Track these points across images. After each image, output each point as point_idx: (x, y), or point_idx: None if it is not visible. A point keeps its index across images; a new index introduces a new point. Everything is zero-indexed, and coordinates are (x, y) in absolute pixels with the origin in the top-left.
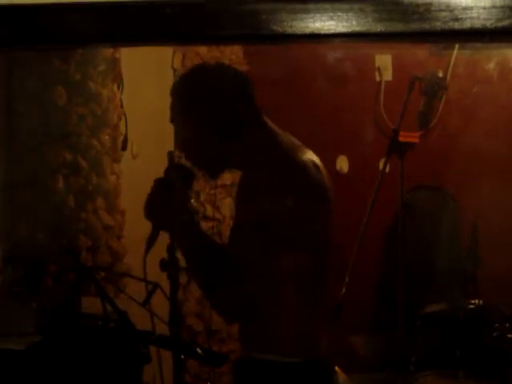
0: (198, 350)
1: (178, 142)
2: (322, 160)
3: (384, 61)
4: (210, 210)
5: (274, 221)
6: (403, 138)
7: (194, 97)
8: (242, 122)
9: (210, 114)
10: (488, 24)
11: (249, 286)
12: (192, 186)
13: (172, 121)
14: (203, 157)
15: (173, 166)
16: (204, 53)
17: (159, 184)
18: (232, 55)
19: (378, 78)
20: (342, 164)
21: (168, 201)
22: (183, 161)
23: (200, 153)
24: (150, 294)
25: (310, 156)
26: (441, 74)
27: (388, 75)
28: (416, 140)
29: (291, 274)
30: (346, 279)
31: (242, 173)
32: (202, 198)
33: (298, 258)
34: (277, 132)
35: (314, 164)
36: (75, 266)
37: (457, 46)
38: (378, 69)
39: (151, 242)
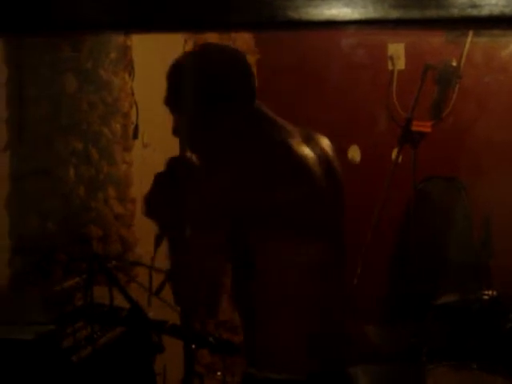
0: (210, 339)
1: (173, 126)
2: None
3: (397, 50)
4: None
5: (256, 211)
6: (416, 127)
7: (182, 79)
8: (231, 108)
9: (200, 97)
10: (507, 11)
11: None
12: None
13: (166, 103)
14: (194, 142)
15: (174, 159)
16: (215, 41)
17: (160, 180)
18: (243, 44)
19: (390, 67)
20: (354, 153)
21: (171, 198)
22: (185, 152)
23: (191, 136)
24: (163, 284)
25: (299, 146)
26: (454, 63)
27: (401, 64)
28: (429, 129)
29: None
30: (358, 270)
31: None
32: None
33: (297, 251)
34: (270, 120)
35: (298, 154)
36: (86, 255)
37: (471, 33)
38: (391, 58)
39: (158, 242)
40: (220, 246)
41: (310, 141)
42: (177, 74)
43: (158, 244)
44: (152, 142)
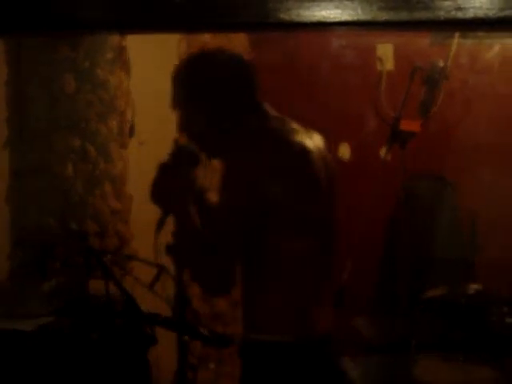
0: (203, 331)
1: (180, 125)
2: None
3: (385, 50)
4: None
5: (269, 206)
6: (404, 126)
7: (193, 82)
8: (238, 108)
9: (208, 99)
10: (491, 14)
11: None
12: (197, 169)
13: (173, 106)
14: (203, 140)
15: (177, 149)
16: (209, 40)
17: (164, 168)
18: (237, 43)
19: (379, 68)
20: (344, 151)
21: (174, 185)
22: (188, 144)
23: (200, 136)
24: (156, 277)
25: (304, 140)
26: (441, 64)
27: (389, 65)
28: (417, 128)
29: (290, 258)
30: (349, 265)
31: (230, 160)
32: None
33: (296, 242)
34: (274, 118)
35: (306, 149)
36: (83, 249)
37: (457, 35)
38: (380, 58)
39: (160, 224)
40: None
41: (311, 138)
42: (179, 78)
43: (160, 226)
44: (148, 139)
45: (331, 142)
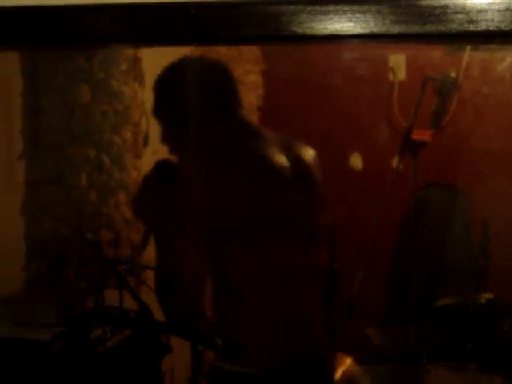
0: (217, 340)
1: (161, 136)
2: (335, 156)
3: (397, 61)
4: None
5: (241, 214)
6: (416, 136)
7: (168, 92)
8: (212, 120)
9: (182, 108)
10: (502, 26)
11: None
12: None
13: (154, 113)
14: (177, 147)
15: (157, 162)
16: (223, 52)
17: (143, 181)
18: (251, 55)
19: (391, 78)
20: (356, 161)
21: (151, 200)
22: (166, 157)
23: (174, 144)
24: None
25: (271, 157)
26: (453, 74)
27: (401, 75)
28: (428, 138)
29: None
30: (361, 275)
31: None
32: None
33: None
34: (250, 132)
35: (267, 166)
36: (97, 259)
37: (469, 47)
38: (392, 69)
39: (144, 242)
40: (199, 252)
41: (288, 150)
42: (160, 87)
43: (144, 244)
44: (161, 149)
45: (344, 151)
